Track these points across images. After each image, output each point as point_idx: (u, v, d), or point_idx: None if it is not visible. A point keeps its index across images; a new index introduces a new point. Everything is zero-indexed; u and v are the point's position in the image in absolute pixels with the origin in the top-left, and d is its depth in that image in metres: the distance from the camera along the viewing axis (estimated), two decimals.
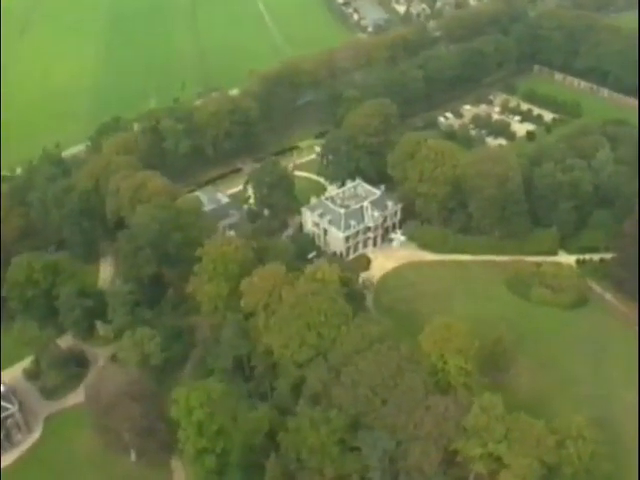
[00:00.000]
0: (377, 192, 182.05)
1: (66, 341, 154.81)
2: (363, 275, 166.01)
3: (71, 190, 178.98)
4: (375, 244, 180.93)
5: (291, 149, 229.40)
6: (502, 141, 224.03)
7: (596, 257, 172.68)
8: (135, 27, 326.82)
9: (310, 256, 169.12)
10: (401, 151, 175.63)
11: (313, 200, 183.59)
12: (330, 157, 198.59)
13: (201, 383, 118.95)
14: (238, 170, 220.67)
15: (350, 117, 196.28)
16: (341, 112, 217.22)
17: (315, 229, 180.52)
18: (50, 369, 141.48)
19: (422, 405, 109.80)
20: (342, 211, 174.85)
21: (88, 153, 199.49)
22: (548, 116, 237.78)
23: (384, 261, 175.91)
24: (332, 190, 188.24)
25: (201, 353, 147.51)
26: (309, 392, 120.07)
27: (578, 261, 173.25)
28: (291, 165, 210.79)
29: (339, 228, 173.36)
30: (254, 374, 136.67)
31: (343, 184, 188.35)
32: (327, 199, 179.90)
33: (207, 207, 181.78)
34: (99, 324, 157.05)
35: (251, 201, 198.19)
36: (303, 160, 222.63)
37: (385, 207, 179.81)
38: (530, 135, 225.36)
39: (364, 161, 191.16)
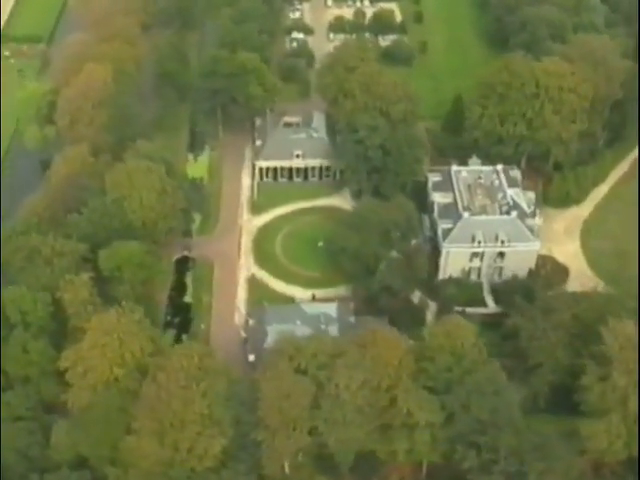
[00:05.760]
0: (490, 168, 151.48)
1: None
2: None
3: None
4: None
5: None
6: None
7: None
8: None
9: None
10: (522, 93, 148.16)
11: (443, 227, 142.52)
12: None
13: None
14: (185, 259, 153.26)
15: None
16: None
17: (474, 263, 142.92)
18: None
19: None
20: (514, 214, 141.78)
21: None
22: None
23: (562, 249, 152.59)
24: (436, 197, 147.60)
25: None
26: None
27: None
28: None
29: (527, 239, 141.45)
30: None
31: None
32: (466, 214, 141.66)
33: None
34: None
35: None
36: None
37: (517, 181, 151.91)
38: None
39: None
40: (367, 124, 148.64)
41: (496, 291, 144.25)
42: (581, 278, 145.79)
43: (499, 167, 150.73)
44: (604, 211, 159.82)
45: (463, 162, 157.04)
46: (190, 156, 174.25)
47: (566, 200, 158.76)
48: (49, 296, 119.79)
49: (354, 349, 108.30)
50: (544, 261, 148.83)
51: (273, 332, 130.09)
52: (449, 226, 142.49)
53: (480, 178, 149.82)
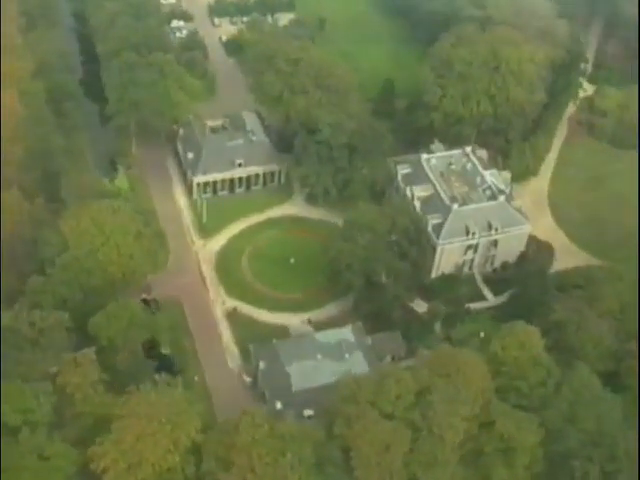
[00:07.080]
0: (459, 152, 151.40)
1: None
2: None
3: None
4: None
5: None
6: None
7: None
8: None
9: None
10: (484, 69, 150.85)
11: (432, 223, 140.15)
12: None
13: None
14: (145, 302, 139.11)
15: None
16: None
17: (468, 256, 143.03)
18: None
19: None
20: (502, 198, 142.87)
21: None
22: None
23: (537, 225, 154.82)
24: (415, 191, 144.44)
25: None
26: None
27: None
28: None
29: (518, 222, 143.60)
30: None
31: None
32: (455, 205, 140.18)
33: None
34: None
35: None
36: None
37: (485, 162, 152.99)
38: None
39: None
40: (330, 122, 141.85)
41: (490, 281, 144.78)
42: (567, 253, 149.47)
43: (468, 149, 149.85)
44: (562, 179, 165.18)
45: (420, 147, 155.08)
46: (105, 180, 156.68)
47: (525, 173, 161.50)
48: (50, 385, 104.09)
49: (441, 381, 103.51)
50: (528, 241, 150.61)
51: (296, 372, 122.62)
52: (438, 221, 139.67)
53: (451, 164, 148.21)
